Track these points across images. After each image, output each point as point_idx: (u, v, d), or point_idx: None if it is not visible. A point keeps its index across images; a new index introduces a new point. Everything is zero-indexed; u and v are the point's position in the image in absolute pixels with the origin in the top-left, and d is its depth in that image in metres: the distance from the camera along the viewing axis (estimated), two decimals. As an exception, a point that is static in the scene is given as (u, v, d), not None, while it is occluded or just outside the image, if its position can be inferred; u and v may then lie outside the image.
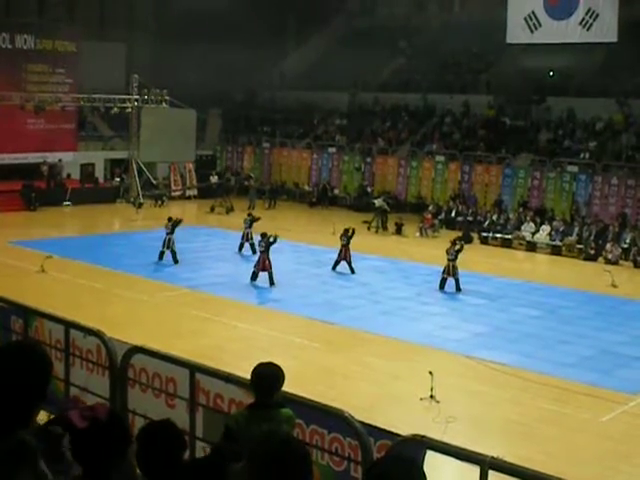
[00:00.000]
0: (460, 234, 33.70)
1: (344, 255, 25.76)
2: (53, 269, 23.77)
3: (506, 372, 16.68)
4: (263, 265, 23.53)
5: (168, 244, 26.16)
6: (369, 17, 50.43)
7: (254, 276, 23.68)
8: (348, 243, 25.83)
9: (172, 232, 26.19)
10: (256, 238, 25.78)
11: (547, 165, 36.93)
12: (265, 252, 23.58)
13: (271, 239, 23.71)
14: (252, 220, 28.39)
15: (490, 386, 15.91)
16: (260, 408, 5.01)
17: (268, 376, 5.03)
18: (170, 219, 26.76)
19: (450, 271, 23.77)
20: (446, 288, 23.79)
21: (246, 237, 28.27)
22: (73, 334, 7.79)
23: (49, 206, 36.77)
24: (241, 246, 28.35)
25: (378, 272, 26.23)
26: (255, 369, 5.07)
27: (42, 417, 5.49)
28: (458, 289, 23.67)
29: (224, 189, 40.84)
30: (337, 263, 25.87)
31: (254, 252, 27.11)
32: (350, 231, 26.13)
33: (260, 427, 4.87)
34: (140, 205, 37.54)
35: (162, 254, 26.19)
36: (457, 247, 24.11)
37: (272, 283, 23.42)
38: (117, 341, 7.32)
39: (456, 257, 23.82)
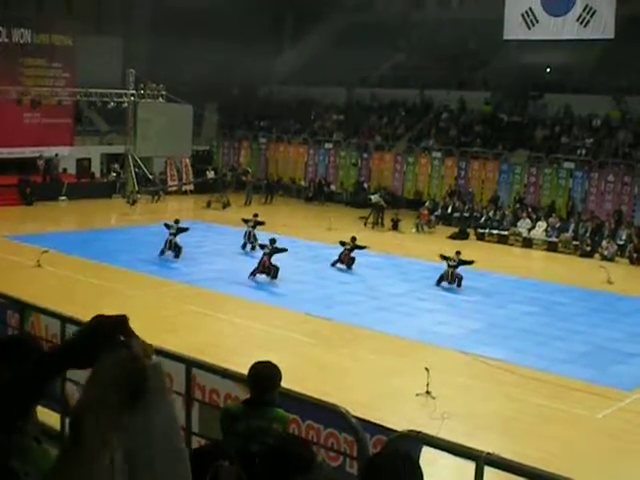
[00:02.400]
0: (456, 230, 33.85)
1: (344, 259, 25.74)
2: (49, 264, 23.74)
3: (502, 368, 16.70)
4: (263, 267, 23.52)
5: (170, 245, 26.10)
6: (366, 13, 50.29)
7: (254, 273, 23.62)
8: (351, 250, 25.82)
9: (176, 235, 26.16)
10: (264, 239, 25.60)
11: (543, 161, 36.95)
12: (268, 256, 23.55)
13: (278, 246, 23.74)
14: (257, 222, 28.21)
15: (486, 382, 15.93)
16: (254, 405, 5.01)
17: (265, 375, 5.03)
18: (177, 221, 26.72)
19: (449, 277, 23.71)
20: (447, 285, 23.78)
21: (248, 236, 28.11)
22: (69, 329, 7.78)
23: (45, 201, 36.72)
24: (244, 245, 28.09)
25: (375, 268, 26.23)
26: (252, 367, 5.06)
27: (44, 415, 5.48)
28: (459, 285, 23.69)
29: (221, 184, 40.82)
30: (337, 262, 25.88)
31: (254, 249, 27.18)
32: (357, 241, 26.15)
33: (248, 423, 4.88)
34: (134, 202, 37.41)
35: (163, 252, 26.17)
36: (466, 259, 24.10)
37: (274, 277, 23.45)
38: (113, 336, 7.30)
39: (458, 265, 23.80)
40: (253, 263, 25.47)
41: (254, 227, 28.07)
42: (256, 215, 28.82)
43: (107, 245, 28.10)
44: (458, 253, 24.39)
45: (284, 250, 24.02)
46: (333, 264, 25.86)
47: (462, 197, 37.97)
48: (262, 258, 23.72)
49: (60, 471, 1.93)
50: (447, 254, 24.36)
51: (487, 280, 25.17)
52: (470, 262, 24.21)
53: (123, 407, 1.87)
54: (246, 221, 28.47)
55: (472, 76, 44.19)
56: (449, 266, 23.85)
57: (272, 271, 23.43)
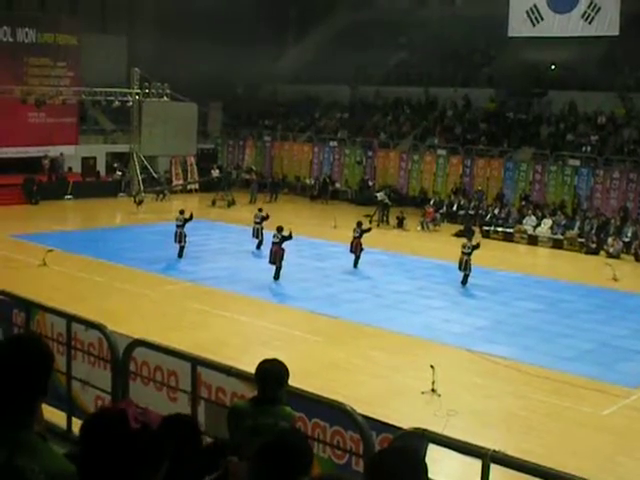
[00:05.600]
0: (462, 227, 33.82)
1: (354, 248, 25.71)
2: (54, 262, 23.78)
3: (507, 365, 16.70)
4: (275, 257, 23.52)
5: (180, 238, 26.08)
6: (370, 10, 50.29)
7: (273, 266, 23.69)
8: (360, 236, 25.77)
9: (183, 226, 26.14)
10: (269, 233, 25.58)
11: (549, 159, 36.91)
12: (278, 244, 23.56)
13: (285, 233, 23.73)
14: (263, 218, 28.08)
15: (491, 380, 15.93)
16: (261, 403, 5.02)
17: (272, 373, 5.03)
18: (182, 211, 26.67)
19: (463, 265, 23.72)
20: (452, 283, 23.73)
21: (256, 233, 28.02)
22: (75, 327, 7.78)
23: (51, 200, 36.78)
24: (259, 244, 27.80)
25: (380, 266, 26.22)
26: (259, 365, 5.06)
27: (50, 414, 5.49)
28: (463, 283, 23.66)
29: (225, 183, 40.83)
30: (357, 260, 25.78)
31: (260, 246, 27.17)
32: (363, 225, 26.13)
33: (256, 421, 4.89)
34: (140, 202, 37.41)
35: (182, 249, 26.13)
36: (474, 243, 24.11)
37: (276, 277, 23.40)
38: (119, 334, 7.32)
39: (471, 252, 23.77)
40: (257, 261, 25.54)
41: (261, 222, 27.97)
42: (260, 210, 28.77)
43: (112, 244, 28.15)
44: (470, 239, 24.46)
45: (290, 237, 23.92)
46: (355, 265, 25.75)
47: (467, 195, 37.94)
48: (272, 249, 23.74)
49: None
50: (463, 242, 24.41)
51: (492, 277, 25.15)
52: (477, 246, 24.12)
53: None
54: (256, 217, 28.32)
55: (477, 73, 44.13)
56: (463, 253, 23.82)
57: (276, 265, 23.40)
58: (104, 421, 2.46)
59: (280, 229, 23.98)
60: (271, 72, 49.33)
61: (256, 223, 28.04)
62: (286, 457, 3.23)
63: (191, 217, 26.36)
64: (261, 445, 3.26)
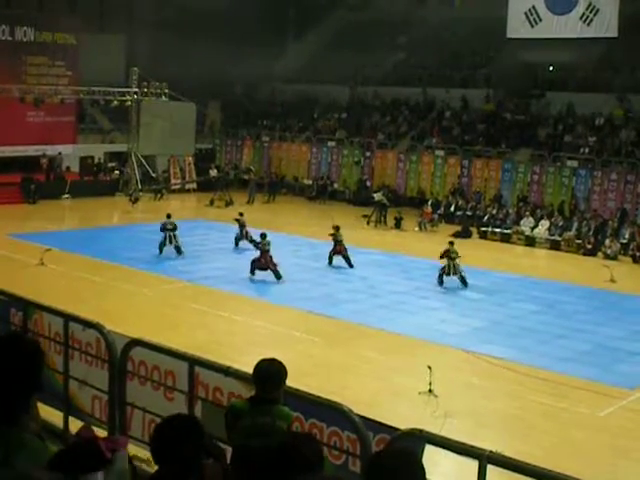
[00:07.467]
0: (459, 228, 33.82)
1: (339, 250, 25.66)
2: (52, 262, 23.77)
3: (504, 366, 16.69)
4: (265, 263, 23.40)
5: (171, 240, 26.06)
6: (369, 11, 50.32)
7: (253, 271, 23.53)
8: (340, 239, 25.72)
9: (174, 229, 26.10)
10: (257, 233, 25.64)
11: (547, 160, 36.93)
12: (268, 251, 23.49)
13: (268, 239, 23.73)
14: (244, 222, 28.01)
15: (488, 380, 15.93)
16: (259, 402, 5.02)
17: (271, 373, 5.03)
18: (169, 216, 26.60)
19: (451, 270, 23.62)
20: (449, 284, 23.67)
21: (245, 236, 27.98)
22: (72, 327, 7.79)
23: (48, 199, 36.72)
24: (256, 244, 27.82)
25: (377, 266, 26.23)
26: (258, 365, 5.06)
27: (47, 413, 5.49)
28: (464, 284, 23.56)
29: (223, 182, 40.81)
30: (331, 258, 25.75)
31: (257, 247, 27.21)
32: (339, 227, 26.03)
33: (253, 420, 4.89)
34: (136, 200, 37.34)
35: (178, 248, 26.12)
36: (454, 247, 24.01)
37: (279, 277, 23.31)
38: (116, 334, 7.33)
39: (457, 256, 23.68)
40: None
41: (244, 226, 27.96)
42: (241, 214, 28.68)
43: (110, 243, 28.12)
44: (451, 244, 24.37)
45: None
46: (330, 262, 25.64)
47: (465, 195, 37.95)
48: (261, 255, 23.64)
49: None
50: (445, 247, 24.30)
51: (490, 278, 25.16)
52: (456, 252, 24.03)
53: None
54: (238, 220, 28.27)
55: (475, 74, 44.17)
56: (450, 258, 23.76)
57: (275, 271, 23.34)
58: (83, 457, 2.44)
59: (264, 236, 23.86)
60: (270, 72, 49.37)
61: (241, 225, 28.01)
62: (298, 456, 3.27)
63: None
64: (277, 445, 3.31)
